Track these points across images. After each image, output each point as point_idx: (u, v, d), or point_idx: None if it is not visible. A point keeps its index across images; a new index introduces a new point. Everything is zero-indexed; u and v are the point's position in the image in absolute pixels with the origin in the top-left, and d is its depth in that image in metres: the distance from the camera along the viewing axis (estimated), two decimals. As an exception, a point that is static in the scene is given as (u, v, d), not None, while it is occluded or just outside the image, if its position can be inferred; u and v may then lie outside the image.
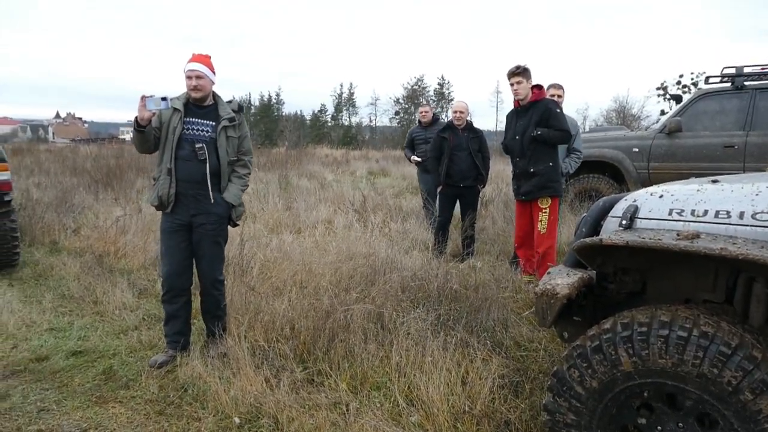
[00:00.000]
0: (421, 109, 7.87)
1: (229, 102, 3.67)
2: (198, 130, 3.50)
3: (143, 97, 3.30)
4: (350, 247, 5.20)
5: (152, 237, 6.39)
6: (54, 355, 3.73)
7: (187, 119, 3.50)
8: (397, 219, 7.25)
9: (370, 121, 66.16)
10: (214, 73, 3.57)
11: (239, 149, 3.68)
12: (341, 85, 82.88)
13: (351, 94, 67.76)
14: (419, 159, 7.52)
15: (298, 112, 66.87)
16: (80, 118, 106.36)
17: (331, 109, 67.77)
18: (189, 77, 3.47)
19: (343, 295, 3.90)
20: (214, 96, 3.63)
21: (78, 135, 74.07)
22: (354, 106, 67.88)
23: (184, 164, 3.47)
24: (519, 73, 4.97)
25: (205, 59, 3.52)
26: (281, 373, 3.16)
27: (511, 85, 5.04)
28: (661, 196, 2.21)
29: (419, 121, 7.72)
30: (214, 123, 3.54)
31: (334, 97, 67.64)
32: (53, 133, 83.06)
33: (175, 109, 3.47)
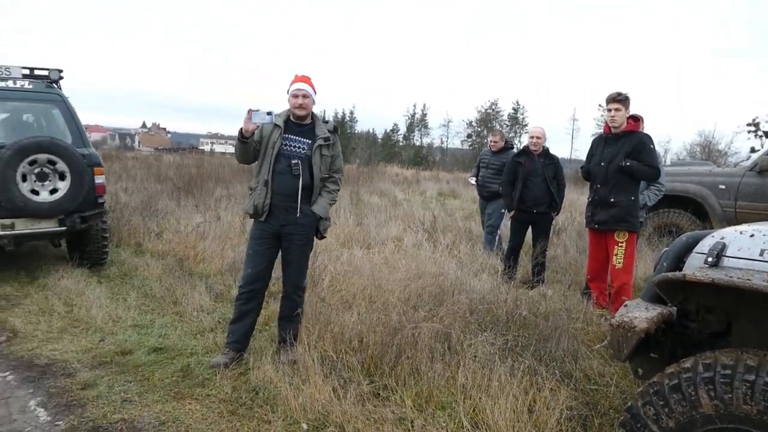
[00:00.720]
0: (491, 137, 7.67)
1: (326, 122, 3.86)
2: (295, 146, 3.70)
3: (249, 111, 3.53)
4: (419, 265, 5.25)
5: (229, 244, 6.67)
6: (137, 350, 3.96)
7: (286, 136, 3.71)
8: (467, 242, 7.23)
9: (442, 142, 66.40)
10: (315, 93, 3.77)
11: (331, 167, 3.85)
12: (414, 105, 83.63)
13: (424, 114, 68.32)
14: (473, 182, 7.52)
15: (371, 131, 67.91)
16: (164, 128, 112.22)
17: (403, 129, 68.55)
18: (295, 96, 3.68)
19: (411, 313, 3.95)
20: (313, 116, 3.83)
21: (161, 144, 78.33)
22: (426, 126, 68.38)
23: (279, 177, 3.66)
24: (620, 100, 4.87)
25: (308, 80, 3.75)
26: (348, 385, 3.22)
27: (609, 110, 4.94)
28: (752, 236, 2.15)
29: (490, 146, 7.68)
30: (310, 141, 3.73)
31: (407, 117, 68.42)
32: (139, 142, 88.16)
33: (276, 125, 3.67)
